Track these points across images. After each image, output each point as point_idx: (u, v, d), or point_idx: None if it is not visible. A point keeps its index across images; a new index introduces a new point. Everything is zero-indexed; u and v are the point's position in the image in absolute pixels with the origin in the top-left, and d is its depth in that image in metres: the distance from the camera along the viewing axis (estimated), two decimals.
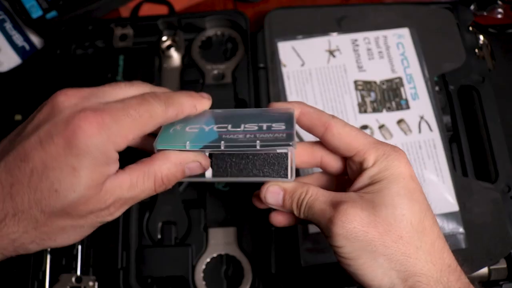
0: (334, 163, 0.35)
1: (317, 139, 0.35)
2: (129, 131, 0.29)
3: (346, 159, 0.34)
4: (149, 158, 0.31)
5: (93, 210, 0.29)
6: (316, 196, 0.32)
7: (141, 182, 0.30)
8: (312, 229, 0.47)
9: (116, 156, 0.29)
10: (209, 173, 0.34)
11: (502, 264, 0.46)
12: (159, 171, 0.31)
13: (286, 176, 0.32)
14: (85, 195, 0.28)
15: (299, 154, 0.35)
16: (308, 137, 0.37)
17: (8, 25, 0.59)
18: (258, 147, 0.31)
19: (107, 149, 0.28)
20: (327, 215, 0.30)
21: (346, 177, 0.35)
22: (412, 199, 0.30)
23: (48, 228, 0.28)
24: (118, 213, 0.31)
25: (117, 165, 0.30)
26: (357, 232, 0.28)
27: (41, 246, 0.29)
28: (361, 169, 0.32)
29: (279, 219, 0.36)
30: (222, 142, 0.31)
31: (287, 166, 0.32)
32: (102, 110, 0.28)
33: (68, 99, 0.29)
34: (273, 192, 0.33)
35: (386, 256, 0.28)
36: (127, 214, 0.48)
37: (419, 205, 0.30)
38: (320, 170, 0.37)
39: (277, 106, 0.36)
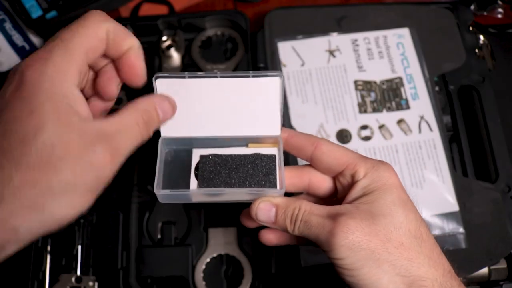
0: (322, 184, 0.35)
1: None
2: (79, 59, 0.27)
3: (335, 178, 0.35)
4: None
5: (79, 160, 0.25)
6: (311, 210, 0.31)
7: (123, 120, 0.28)
8: None
9: (77, 93, 0.27)
10: (194, 185, 0.33)
11: (502, 264, 0.46)
12: (137, 110, 0.29)
13: (275, 186, 0.32)
14: (57, 134, 0.25)
15: (287, 176, 0.35)
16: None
17: (8, 25, 0.59)
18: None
19: (64, 84, 0.26)
20: (326, 228, 0.30)
21: (334, 199, 0.36)
22: (406, 208, 0.30)
23: (27, 187, 0.24)
24: (114, 162, 0.27)
25: (85, 106, 0.27)
26: (360, 241, 0.28)
27: (31, 222, 0.25)
28: (352, 182, 0.32)
29: (269, 238, 0.36)
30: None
31: (275, 176, 0.33)
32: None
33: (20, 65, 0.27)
34: (265, 209, 0.32)
35: (390, 262, 0.28)
36: (127, 214, 0.48)
37: (414, 214, 0.30)
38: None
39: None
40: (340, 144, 0.38)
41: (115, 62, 0.31)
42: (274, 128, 0.34)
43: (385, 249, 0.28)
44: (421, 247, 0.29)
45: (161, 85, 0.32)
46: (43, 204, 0.25)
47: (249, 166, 0.33)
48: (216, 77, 0.31)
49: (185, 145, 0.35)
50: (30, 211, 0.24)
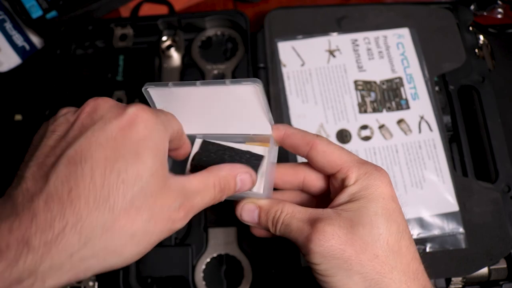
0: (316, 182, 0.35)
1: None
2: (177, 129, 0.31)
3: (329, 177, 0.35)
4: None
5: (161, 211, 0.26)
6: (292, 214, 0.32)
7: (203, 182, 0.30)
8: None
9: (167, 155, 0.29)
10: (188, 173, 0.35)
11: (502, 264, 0.46)
12: (217, 175, 0.31)
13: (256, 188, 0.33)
14: (152, 183, 0.26)
15: (282, 173, 0.36)
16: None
17: (8, 25, 0.59)
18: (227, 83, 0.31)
19: (165, 139, 0.28)
20: (304, 233, 0.30)
21: (328, 197, 0.36)
22: (390, 219, 0.30)
23: (115, 233, 0.24)
24: (186, 218, 0.29)
25: (168, 173, 0.28)
26: (334, 250, 0.29)
27: (102, 264, 0.25)
28: (342, 186, 0.32)
29: (259, 231, 0.37)
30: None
31: (259, 172, 0.33)
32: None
33: (107, 101, 0.28)
34: (249, 210, 0.34)
35: (362, 274, 0.28)
36: None
37: (397, 226, 0.30)
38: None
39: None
40: (340, 144, 0.38)
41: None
42: (264, 128, 0.34)
43: (358, 261, 0.28)
44: (396, 262, 0.29)
45: (154, 93, 0.33)
46: (122, 251, 0.25)
47: (243, 160, 0.34)
48: (195, 85, 0.32)
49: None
50: (108, 256, 0.25)
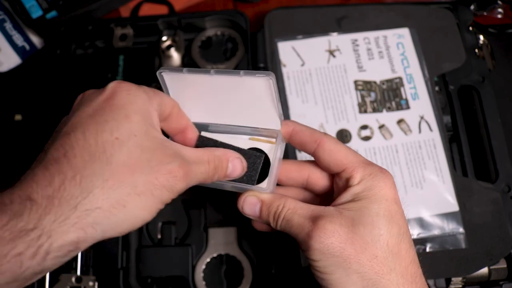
0: (320, 181, 0.36)
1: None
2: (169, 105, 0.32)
3: (334, 176, 0.35)
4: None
5: (159, 165, 0.27)
6: (294, 209, 0.32)
7: (198, 155, 0.31)
8: None
9: (159, 124, 0.30)
10: None
11: (502, 264, 0.46)
12: (212, 153, 0.32)
13: (253, 183, 0.33)
14: (146, 140, 0.27)
15: (286, 170, 0.36)
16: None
17: (8, 25, 0.59)
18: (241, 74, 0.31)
19: (149, 106, 0.29)
20: (305, 229, 0.30)
21: (331, 197, 0.36)
22: (392, 221, 0.30)
23: (115, 183, 0.25)
24: (186, 179, 0.29)
25: (162, 136, 0.30)
26: (334, 248, 0.29)
27: (109, 218, 0.25)
28: (346, 186, 0.32)
29: (260, 225, 0.37)
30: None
31: (256, 175, 0.34)
32: None
33: (91, 90, 0.30)
34: (251, 203, 0.34)
35: (360, 274, 0.28)
36: None
37: (398, 228, 0.30)
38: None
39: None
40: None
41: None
42: (273, 123, 0.34)
43: (357, 260, 0.29)
44: (395, 264, 0.29)
45: (168, 78, 0.34)
46: (126, 202, 0.26)
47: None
48: (209, 73, 0.32)
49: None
50: (113, 208, 0.25)
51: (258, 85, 0.31)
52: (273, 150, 0.35)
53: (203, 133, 0.37)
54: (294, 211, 0.32)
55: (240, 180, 0.34)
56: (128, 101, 0.28)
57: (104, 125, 0.26)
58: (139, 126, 0.27)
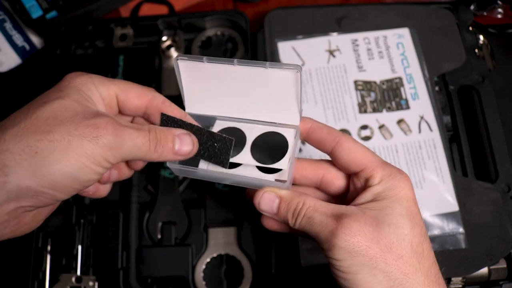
0: (335, 180, 0.35)
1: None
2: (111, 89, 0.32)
3: (350, 176, 0.34)
4: None
5: (83, 120, 0.28)
6: (315, 207, 0.31)
7: (138, 124, 0.31)
8: None
9: (100, 102, 0.31)
10: (202, 163, 0.35)
11: (502, 264, 0.46)
12: (154, 126, 0.31)
13: (225, 166, 0.33)
14: (74, 105, 0.29)
15: (301, 168, 0.35)
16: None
17: (8, 25, 0.59)
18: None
19: (89, 86, 0.31)
20: (328, 227, 0.29)
21: (344, 199, 0.35)
22: (414, 221, 0.30)
23: (28, 132, 0.27)
24: (113, 135, 0.28)
25: (97, 108, 0.31)
26: (360, 247, 0.28)
27: (20, 161, 0.26)
28: (365, 185, 0.32)
29: (270, 223, 0.36)
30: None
31: (229, 155, 0.32)
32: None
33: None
34: (268, 199, 0.32)
35: (386, 273, 0.28)
36: (127, 214, 0.48)
37: (420, 228, 0.30)
38: None
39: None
40: None
41: None
42: (293, 118, 0.34)
43: (383, 259, 0.28)
44: (419, 264, 0.29)
45: (183, 66, 0.33)
46: (37, 148, 0.26)
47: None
48: (233, 64, 0.31)
49: (208, 123, 0.36)
50: (22, 151, 0.26)
51: (284, 77, 0.31)
52: (292, 142, 0.34)
53: (222, 124, 0.35)
54: (315, 209, 0.31)
55: (212, 161, 0.33)
56: (67, 82, 0.30)
57: (39, 98, 0.29)
58: (71, 96, 0.29)
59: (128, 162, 0.37)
